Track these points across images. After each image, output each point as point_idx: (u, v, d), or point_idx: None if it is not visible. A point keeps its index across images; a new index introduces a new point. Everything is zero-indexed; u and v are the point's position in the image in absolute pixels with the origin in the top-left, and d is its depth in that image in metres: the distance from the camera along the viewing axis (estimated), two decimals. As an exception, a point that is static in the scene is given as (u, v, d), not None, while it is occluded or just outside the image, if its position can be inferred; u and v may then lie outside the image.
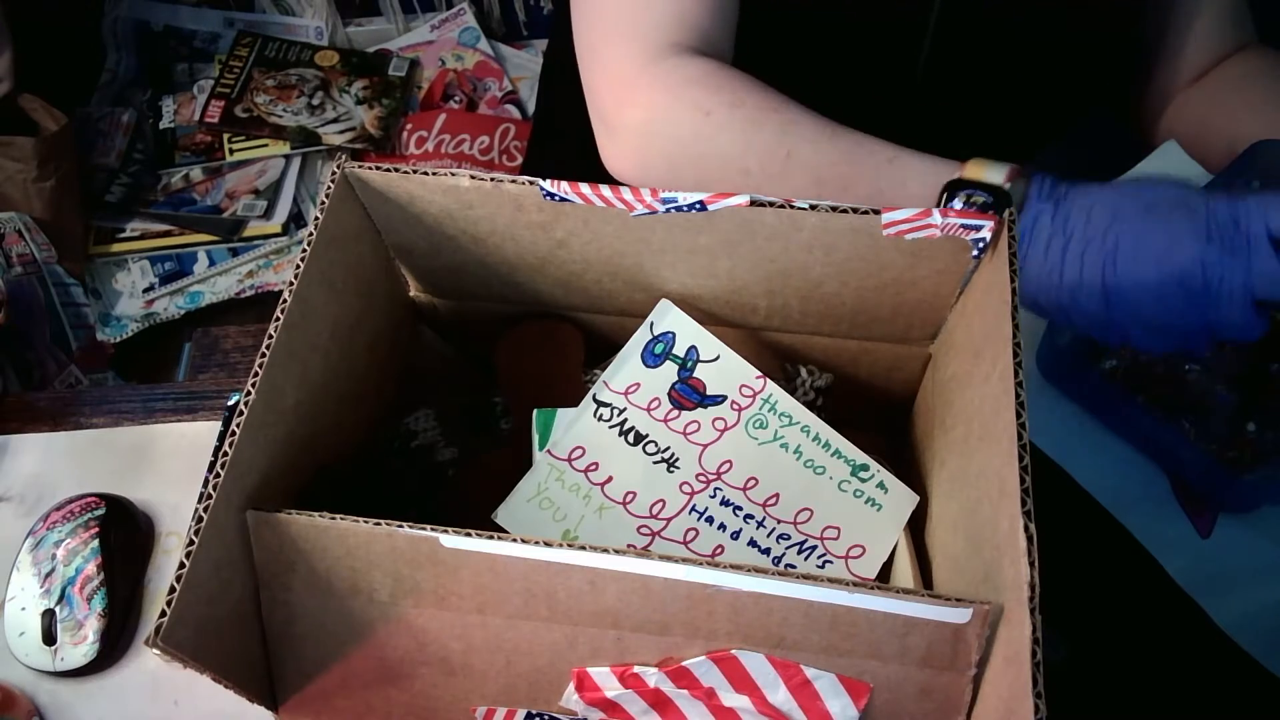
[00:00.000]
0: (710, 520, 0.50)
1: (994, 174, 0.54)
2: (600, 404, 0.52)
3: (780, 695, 0.42)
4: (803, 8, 0.68)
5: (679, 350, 0.54)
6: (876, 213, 0.47)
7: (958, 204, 0.54)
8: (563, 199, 0.49)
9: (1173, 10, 0.73)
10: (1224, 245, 0.49)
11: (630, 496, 0.50)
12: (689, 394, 0.53)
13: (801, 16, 0.68)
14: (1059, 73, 0.73)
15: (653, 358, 0.53)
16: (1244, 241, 0.49)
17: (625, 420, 0.52)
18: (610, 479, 0.51)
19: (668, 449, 0.52)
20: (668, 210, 0.49)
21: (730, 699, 0.43)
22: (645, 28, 0.63)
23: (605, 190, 0.49)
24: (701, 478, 0.51)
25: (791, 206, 0.48)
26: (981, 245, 0.48)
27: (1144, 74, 0.77)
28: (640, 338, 0.54)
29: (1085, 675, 0.57)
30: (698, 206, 0.49)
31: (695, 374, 0.53)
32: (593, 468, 0.51)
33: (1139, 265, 0.51)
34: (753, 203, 0.48)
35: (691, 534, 0.50)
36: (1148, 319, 0.52)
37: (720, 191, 0.48)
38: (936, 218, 0.47)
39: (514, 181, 0.49)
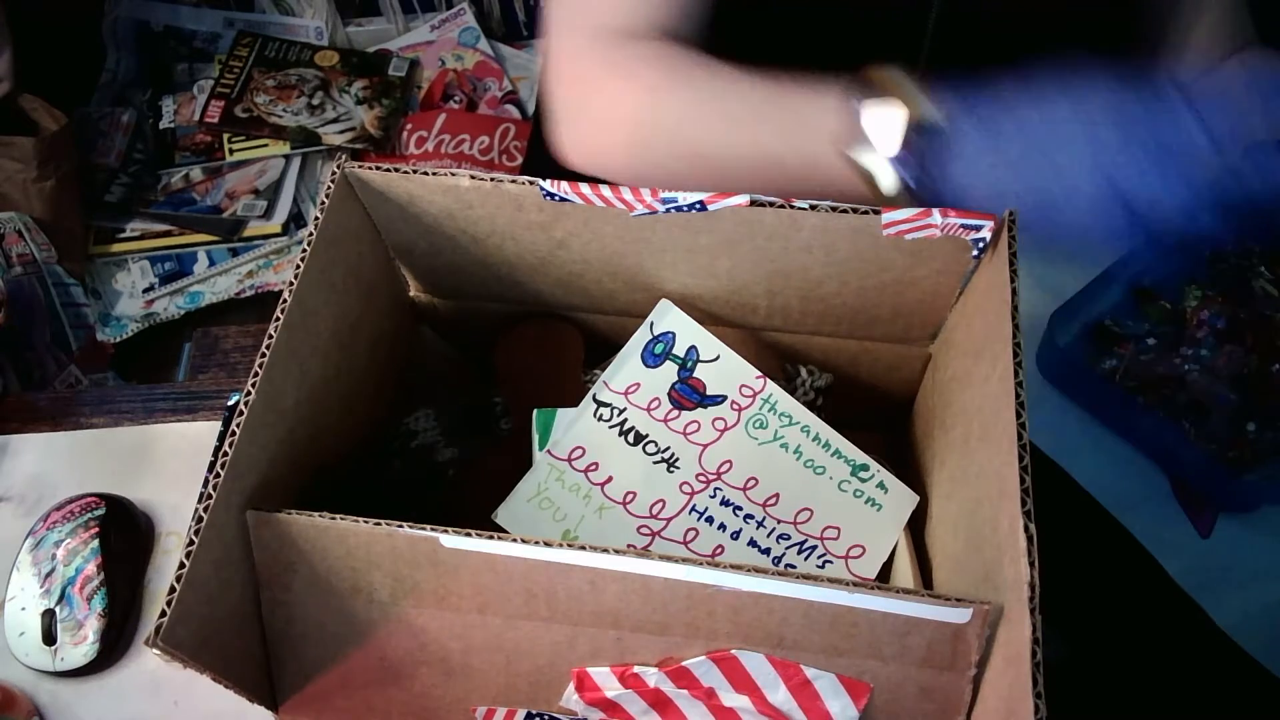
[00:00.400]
0: (710, 520, 0.50)
1: (927, 109, 0.50)
2: (600, 404, 0.52)
3: (780, 695, 0.42)
4: (801, 7, 0.68)
5: (679, 350, 0.54)
6: (877, 212, 0.47)
7: (868, 117, 0.52)
8: (563, 199, 0.49)
9: (1173, 12, 0.73)
10: (1153, 133, 0.47)
11: (630, 496, 0.50)
12: (689, 394, 0.53)
13: (800, 16, 0.68)
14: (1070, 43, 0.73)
15: (653, 358, 0.53)
16: (1172, 126, 0.47)
17: (625, 420, 0.52)
18: (610, 479, 0.51)
19: (668, 449, 0.52)
20: (668, 210, 0.49)
21: (730, 699, 0.43)
22: (598, 16, 0.62)
23: (605, 190, 0.49)
24: (701, 478, 0.51)
25: (791, 206, 0.48)
26: (981, 245, 0.48)
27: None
28: (640, 338, 0.54)
29: (1085, 675, 0.57)
30: (698, 206, 0.49)
31: (695, 374, 0.53)
32: (593, 468, 0.51)
33: (1065, 175, 0.48)
34: (753, 202, 0.48)
35: (691, 534, 0.50)
36: (1084, 226, 0.49)
37: (674, 173, 0.47)
38: (936, 217, 0.47)
39: (514, 181, 0.49)
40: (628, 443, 0.51)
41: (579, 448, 0.51)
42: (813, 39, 0.69)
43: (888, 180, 0.51)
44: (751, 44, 0.67)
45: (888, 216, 0.47)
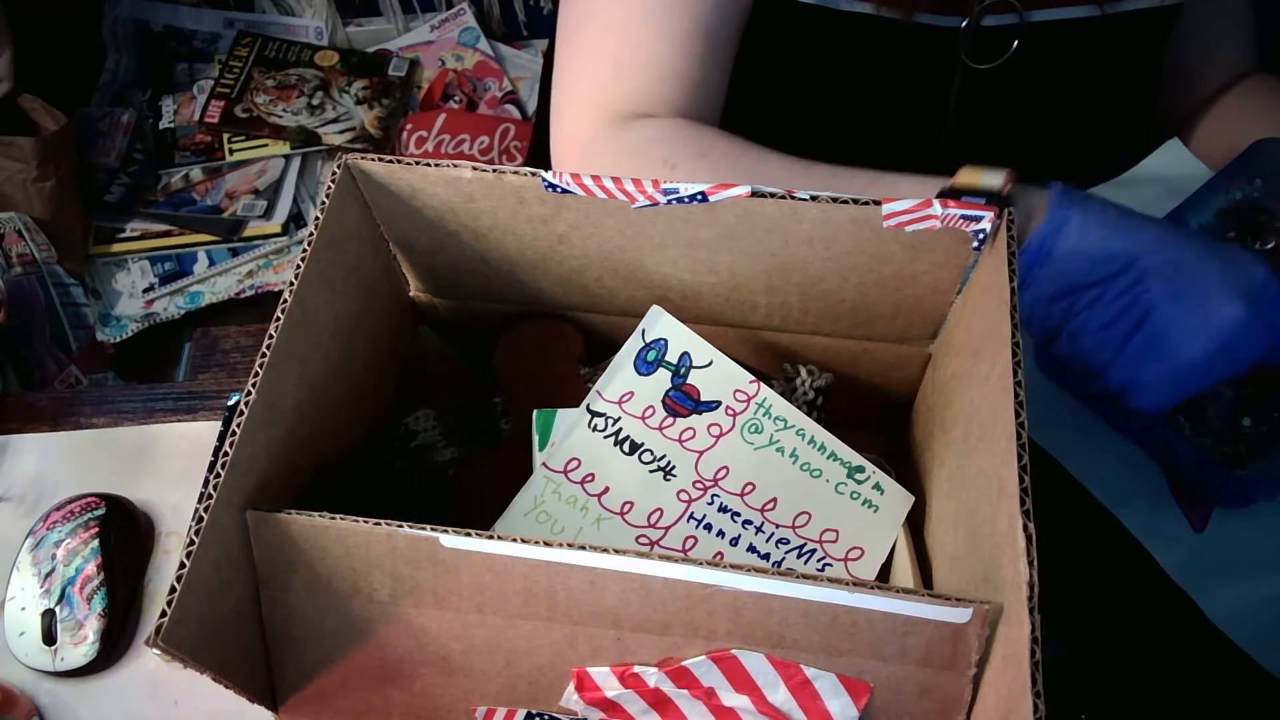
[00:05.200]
0: (709, 528, 0.50)
1: (990, 178, 0.52)
2: (594, 414, 0.52)
3: (780, 695, 0.42)
4: (827, 61, 0.67)
5: (671, 357, 0.53)
6: (877, 203, 0.47)
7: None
8: (564, 190, 0.49)
9: (1185, 44, 0.74)
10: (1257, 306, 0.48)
11: (628, 507, 0.50)
12: (683, 400, 0.53)
13: (826, 67, 0.67)
14: (1087, 123, 0.73)
15: (645, 365, 0.53)
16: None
17: (620, 430, 0.52)
18: (607, 489, 0.50)
19: (663, 457, 0.51)
20: (669, 202, 0.49)
21: (730, 699, 0.43)
22: (607, 100, 0.62)
23: (607, 181, 0.49)
24: (699, 485, 0.51)
25: (793, 198, 0.48)
26: (982, 237, 0.48)
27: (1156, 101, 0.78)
28: (632, 345, 0.53)
29: (1085, 674, 0.57)
30: (699, 197, 0.48)
31: (689, 380, 0.53)
32: (589, 479, 0.50)
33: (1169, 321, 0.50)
34: (754, 193, 0.48)
35: (690, 542, 0.50)
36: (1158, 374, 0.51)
37: None
38: (937, 208, 0.47)
39: (516, 173, 0.49)
40: (623, 452, 0.51)
41: (574, 459, 0.51)
42: (840, 87, 0.68)
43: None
44: (769, 121, 0.66)
45: (888, 206, 0.47)
